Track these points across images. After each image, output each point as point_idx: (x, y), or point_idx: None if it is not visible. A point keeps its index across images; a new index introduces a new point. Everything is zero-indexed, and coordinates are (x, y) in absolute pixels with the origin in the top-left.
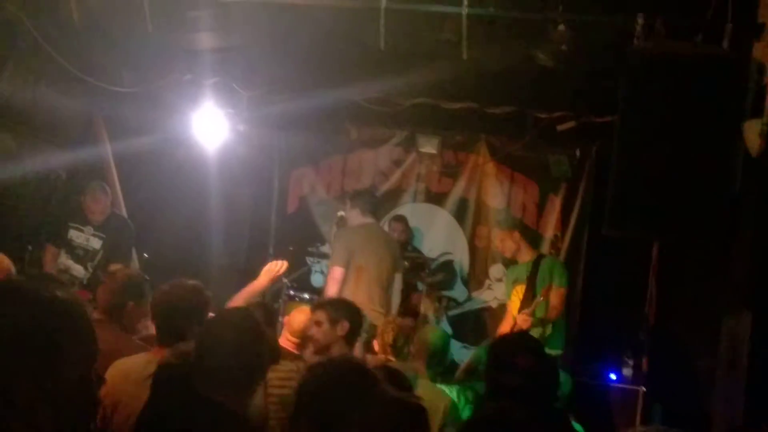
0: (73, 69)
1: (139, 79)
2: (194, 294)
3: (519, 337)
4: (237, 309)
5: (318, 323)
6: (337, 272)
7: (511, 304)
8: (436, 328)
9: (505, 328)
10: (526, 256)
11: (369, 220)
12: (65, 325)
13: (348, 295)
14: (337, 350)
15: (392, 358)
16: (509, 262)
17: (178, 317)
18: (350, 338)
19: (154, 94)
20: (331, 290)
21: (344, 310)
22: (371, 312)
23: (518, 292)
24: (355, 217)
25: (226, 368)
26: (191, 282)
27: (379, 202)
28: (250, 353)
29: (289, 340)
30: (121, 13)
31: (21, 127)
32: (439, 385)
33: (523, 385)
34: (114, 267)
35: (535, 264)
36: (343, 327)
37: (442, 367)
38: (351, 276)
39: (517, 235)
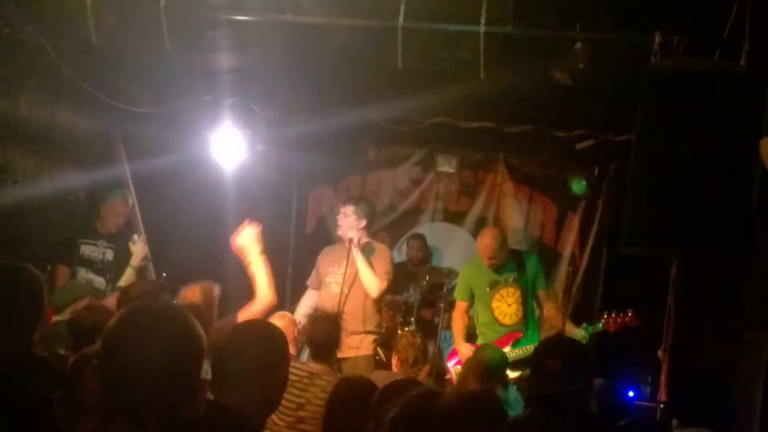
0: (91, 90)
1: (157, 99)
2: None
3: (553, 340)
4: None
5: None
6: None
7: (495, 309)
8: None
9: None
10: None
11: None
12: None
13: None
14: None
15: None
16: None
17: None
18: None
19: (172, 115)
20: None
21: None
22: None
23: (506, 299)
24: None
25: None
26: None
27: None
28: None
29: None
30: (139, 34)
31: (40, 148)
32: None
33: (552, 390)
34: (125, 283)
35: (518, 267)
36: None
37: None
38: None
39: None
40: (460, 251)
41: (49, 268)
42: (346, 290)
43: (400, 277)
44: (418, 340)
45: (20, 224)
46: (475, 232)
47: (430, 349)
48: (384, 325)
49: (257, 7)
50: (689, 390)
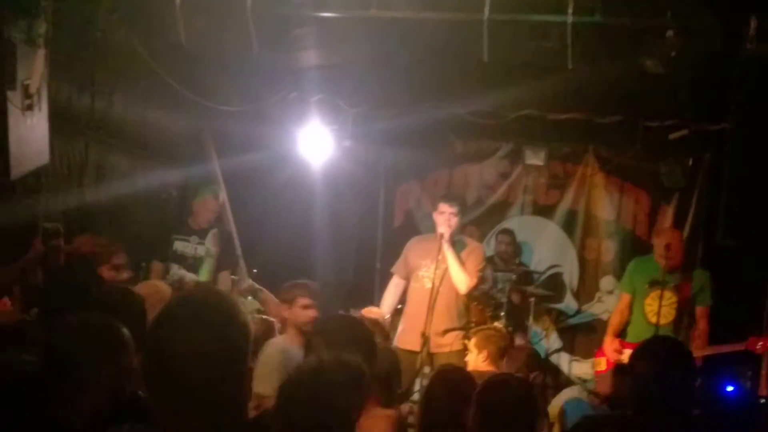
0: (182, 89)
1: (246, 97)
2: None
3: (648, 342)
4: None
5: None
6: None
7: (647, 306)
8: None
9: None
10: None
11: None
12: None
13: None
14: None
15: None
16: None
17: None
18: None
19: (261, 112)
20: None
21: None
22: None
23: (662, 299)
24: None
25: None
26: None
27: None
28: None
29: None
30: (227, 34)
31: (133, 147)
32: None
33: (641, 393)
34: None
35: (685, 275)
36: None
37: None
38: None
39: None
40: (550, 245)
41: (143, 265)
42: (437, 285)
43: (489, 271)
44: (499, 333)
45: (115, 222)
46: (565, 225)
47: (517, 341)
48: (473, 320)
49: (342, 3)
50: None
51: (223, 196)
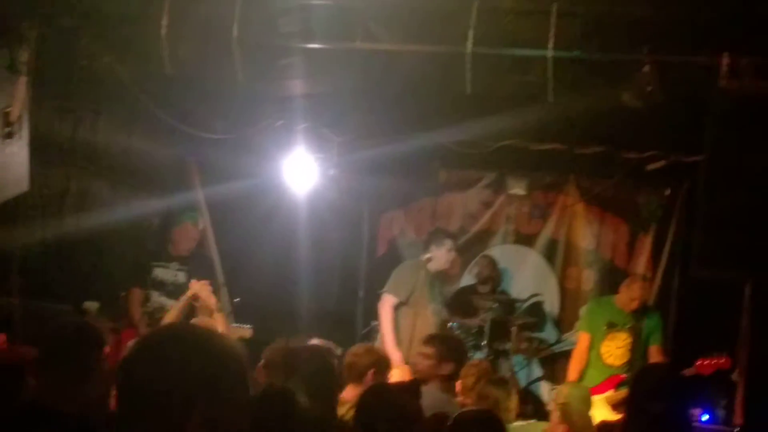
0: (166, 117)
1: (231, 126)
2: None
3: (653, 379)
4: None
5: (425, 356)
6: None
7: (604, 348)
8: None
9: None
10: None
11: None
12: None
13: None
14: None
15: (469, 401)
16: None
17: None
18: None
19: (246, 141)
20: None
21: (454, 351)
22: None
23: (616, 341)
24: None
25: None
26: None
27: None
28: None
29: None
30: (212, 62)
31: (116, 175)
32: None
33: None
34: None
35: (639, 317)
36: (447, 367)
37: None
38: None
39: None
40: (531, 273)
41: (122, 294)
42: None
43: (470, 300)
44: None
45: (96, 250)
46: (547, 254)
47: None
48: None
49: (328, 34)
50: (765, 412)
51: (204, 222)
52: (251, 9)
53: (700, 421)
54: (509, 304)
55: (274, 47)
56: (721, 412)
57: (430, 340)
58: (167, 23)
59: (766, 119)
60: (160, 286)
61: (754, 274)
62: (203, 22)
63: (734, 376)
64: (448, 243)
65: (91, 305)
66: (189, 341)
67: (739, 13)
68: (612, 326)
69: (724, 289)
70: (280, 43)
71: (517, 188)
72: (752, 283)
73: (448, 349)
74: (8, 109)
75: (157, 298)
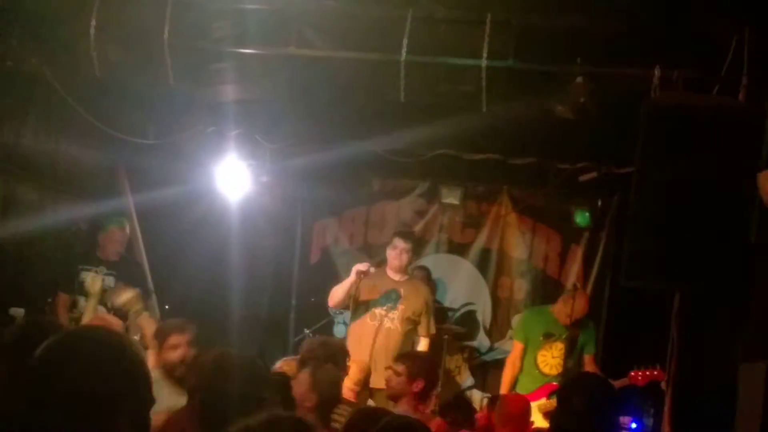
0: (95, 121)
1: (162, 131)
2: None
3: (580, 378)
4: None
5: (397, 373)
6: None
7: (540, 357)
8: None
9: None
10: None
11: None
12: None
13: None
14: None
15: None
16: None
17: None
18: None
19: (177, 146)
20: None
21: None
22: None
23: (552, 350)
24: None
25: None
26: None
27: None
28: None
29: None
30: (143, 66)
31: (43, 180)
32: None
33: (577, 427)
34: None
35: (574, 328)
36: (418, 384)
37: None
38: None
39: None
40: (464, 282)
41: (49, 300)
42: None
43: None
44: None
45: (23, 255)
46: (480, 264)
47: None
48: None
49: (261, 40)
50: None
51: (131, 226)
52: (183, 12)
53: (629, 429)
54: (442, 313)
55: (206, 51)
56: (649, 421)
57: (401, 357)
58: (96, 24)
59: (697, 132)
60: (88, 292)
61: (682, 285)
62: (134, 24)
63: (663, 385)
64: (398, 241)
65: (17, 311)
66: (108, 342)
67: (672, 26)
68: (549, 336)
69: (654, 299)
70: (212, 48)
71: (451, 198)
72: (680, 293)
73: (419, 366)
74: None
75: (84, 303)
